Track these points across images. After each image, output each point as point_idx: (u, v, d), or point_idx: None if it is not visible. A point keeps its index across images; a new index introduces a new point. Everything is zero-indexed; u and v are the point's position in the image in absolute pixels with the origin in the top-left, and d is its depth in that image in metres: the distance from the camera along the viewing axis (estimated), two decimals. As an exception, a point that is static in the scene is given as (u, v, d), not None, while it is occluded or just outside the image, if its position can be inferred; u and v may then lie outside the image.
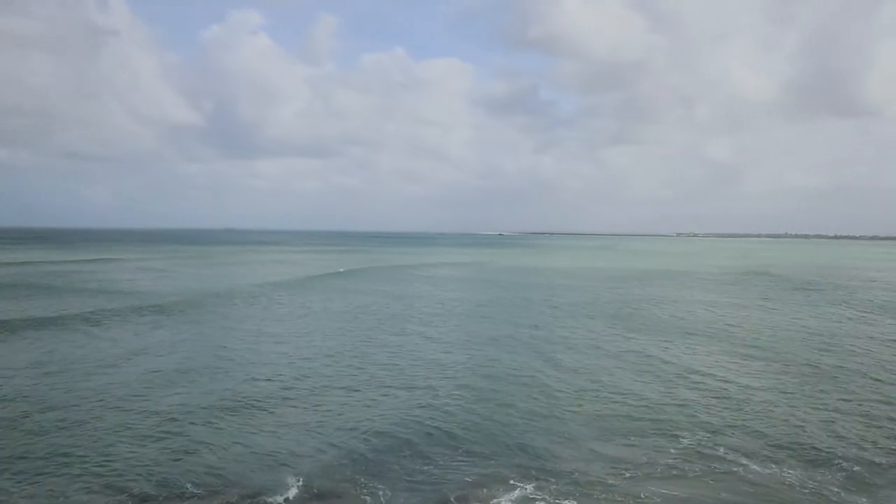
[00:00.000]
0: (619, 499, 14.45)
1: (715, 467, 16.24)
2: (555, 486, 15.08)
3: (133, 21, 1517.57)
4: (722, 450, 17.39)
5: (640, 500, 14.38)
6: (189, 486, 14.95)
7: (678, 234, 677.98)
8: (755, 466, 16.28)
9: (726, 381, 24.82)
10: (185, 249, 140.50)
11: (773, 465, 16.35)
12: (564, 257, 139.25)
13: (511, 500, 14.36)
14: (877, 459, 16.86)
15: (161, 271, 74.98)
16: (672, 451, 17.36)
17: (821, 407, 21.53)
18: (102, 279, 62.32)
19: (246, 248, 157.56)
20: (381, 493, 14.66)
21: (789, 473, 15.85)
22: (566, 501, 14.32)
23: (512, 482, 15.27)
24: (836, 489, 15.03)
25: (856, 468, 16.26)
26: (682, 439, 18.21)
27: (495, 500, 14.35)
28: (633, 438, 18.37)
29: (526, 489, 14.89)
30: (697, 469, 16.15)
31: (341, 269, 78.63)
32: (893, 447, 17.74)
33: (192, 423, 19.01)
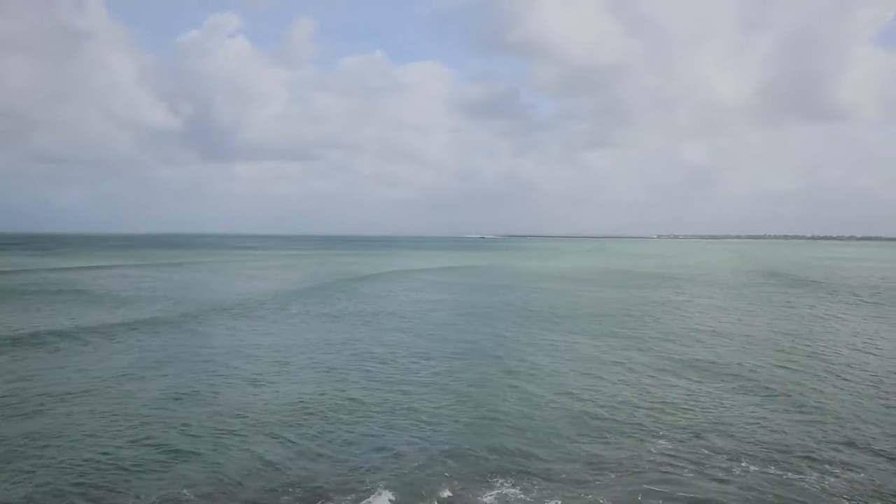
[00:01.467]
0: (597, 496, 14.42)
1: (694, 467, 16.25)
2: (534, 485, 15.03)
3: (109, 23, 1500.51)
4: (703, 450, 17.41)
5: (617, 498, 14.35)
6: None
7: (658, 236, 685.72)
8: (734, 466, 16.32)
9: (715, 383, 25.04)
10: (152, 255, 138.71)
11: (755, 465, 16.37)
12: (567, 260, 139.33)
13: (492, 498, 14.34)
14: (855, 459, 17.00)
15: (133, 279, 73.59)
16: (652, 450, 17.35)
17: (803, 407, 21.64)
18: (69, 291, 60.87)
19: (218, 254, 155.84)
20: (362, 492, 14.55)
21: (770, 473, 15.85)
22: (546, 499, 14.24)
23: (491, 481, 15.24)
24: (812, 488, 15.10)
25: (835, 469, 16.38)
26: (661, 440, 18.26)
27: (476, 499, 14.31)
28: (611, 438, 18.39)
29: (505, 487, 14.89)
30: (675, 468, 16.14)
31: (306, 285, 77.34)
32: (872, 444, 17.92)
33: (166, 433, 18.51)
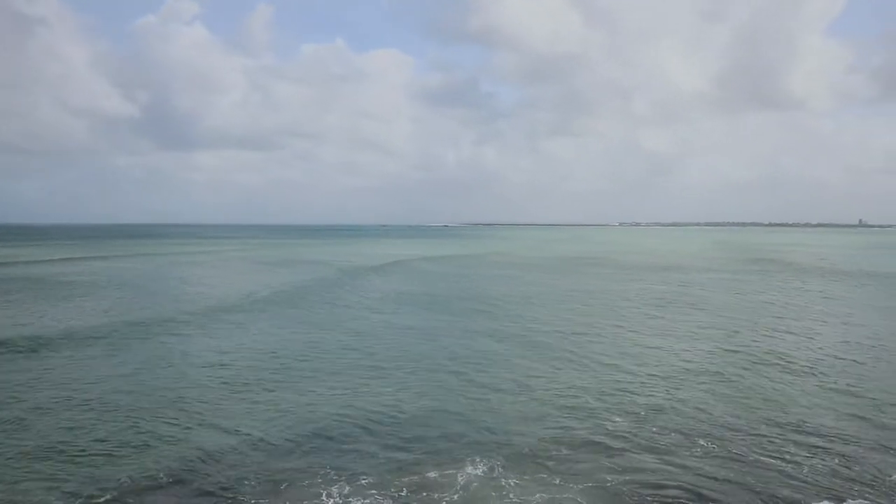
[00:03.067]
0: (569, 475, 14.83)
1: (660, 445, 16.80)
2: (506, 464, 15.33)
3: (61, 9, 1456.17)
4: (669, 430, 18.03)
5: (589, 476, 14.77)
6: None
7: (621, 224, 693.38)
8: (695, 444, 16.93)
9: (685, 361, 25.79)
10: (115, 246, 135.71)
11: (716, 442, 17.02)
12: (563, 248, 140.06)
13: (466, 477, 14.61)
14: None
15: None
16: (614, 428, 17.89)
17: (767, 381, 22.50)
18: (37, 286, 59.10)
19: (183, 244, 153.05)
20: (337, 476, 14.75)
21: (734, 451, 16.46)
22: (520, 477, 14.58)
23: (466, 461, 15.46)
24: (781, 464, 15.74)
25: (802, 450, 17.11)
26: (623, 419, 18.82)
27: (451, 479, 14.53)
28: (577, 419, 18.88)
29: (479, 467, 15.15)
30: (639, 445, 16.65)
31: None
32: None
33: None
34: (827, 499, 13.66)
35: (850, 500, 13.54)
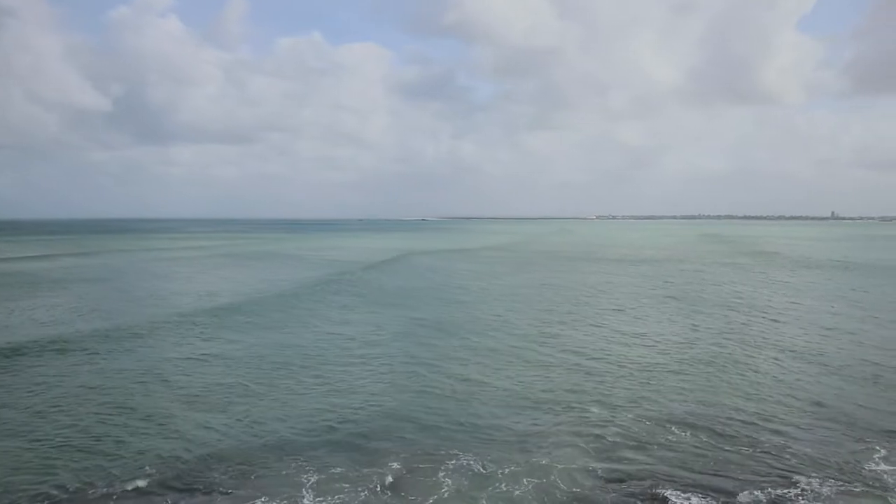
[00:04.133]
0: (547, 464, 15.00)
1: (630, 434, 17.08)
2: (483, 455, 15.45)
3: (33, 0, 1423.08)
4: (638, 419, 18.38)
5: (567, 466, 14.94)
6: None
7: (598, 217, 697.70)
8: (669, 431, 17.27)
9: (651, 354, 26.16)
10: (91, 242, 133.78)
11: (682, 432, 17.38)
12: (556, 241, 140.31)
13: (442, 469, 14.70)
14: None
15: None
16: (592, 418, 18.19)
17: (724, 374, 23.00)
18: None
19: (150, 239, 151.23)
20: (310, 467, 14.79)
21: (698, 439, 16.85)
22: (498, 468, 14.71)
23: (441, 453, 15.59)
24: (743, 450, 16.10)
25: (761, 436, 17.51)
26: (599, 409, 19.14)
27: (427, 471, 14.62)
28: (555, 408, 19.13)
29: (455, 459, 15.25)
30: (610, 435, 16.89)
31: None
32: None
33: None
34: (784, 480, 13.93)
35: (806, 478, 13.82)
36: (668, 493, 13.56)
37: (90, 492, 13.81)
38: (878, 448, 15.81)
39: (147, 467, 14.88)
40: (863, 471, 14.54)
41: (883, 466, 14.75)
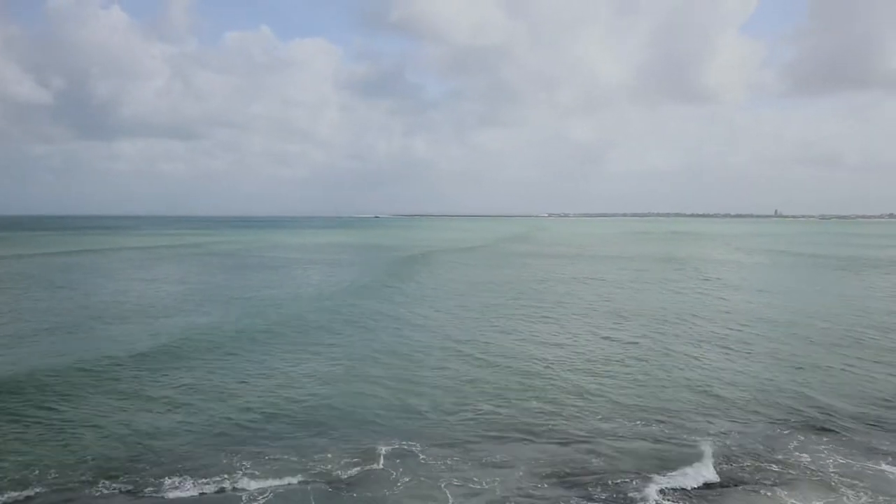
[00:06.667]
0: (487, 459, 15.34)
1: (576, 427, 17.56)
2: (422, 449, 15.72)
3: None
4: (585, 412, 18.88)
5: (506, 460, 15.30)
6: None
7: (550, 215, 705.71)
8: (612, 423, 17.85)
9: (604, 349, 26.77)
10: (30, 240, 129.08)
11: (628, 422, 17.97)
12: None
13: (386, 457, 15.06)
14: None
15: None
16: (531, 413, 18.62)
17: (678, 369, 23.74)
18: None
19: (89, 236, 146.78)
20: (246, 458, 14.69)
21: (647, 432, 17.42)
22: (436, 462, 14.95)
23: (379, 445, 15.77)
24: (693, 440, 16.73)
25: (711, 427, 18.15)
26: (540, 404, 19.60)
27: (360, 463, 14.76)
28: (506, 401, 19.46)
29: (391, 452, 15.47)
30: (556, 429, 17.34)
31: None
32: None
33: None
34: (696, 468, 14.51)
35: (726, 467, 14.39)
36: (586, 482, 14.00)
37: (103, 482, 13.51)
38: (797, 436, 16.61)
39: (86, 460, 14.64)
40: (780, 458, 15.25)
41: (798, 454, 15.50)
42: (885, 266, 66.76)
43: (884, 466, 14.70)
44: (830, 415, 18.20)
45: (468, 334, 29.34)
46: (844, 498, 13.12)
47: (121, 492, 13.63)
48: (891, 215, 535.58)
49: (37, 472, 14.38)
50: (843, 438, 16.47)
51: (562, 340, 28.00)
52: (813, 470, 14.49)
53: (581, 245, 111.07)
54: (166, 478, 14.16)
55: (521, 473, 14.44)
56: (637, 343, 27.44)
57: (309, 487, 13.78)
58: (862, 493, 13.29)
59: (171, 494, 13.52)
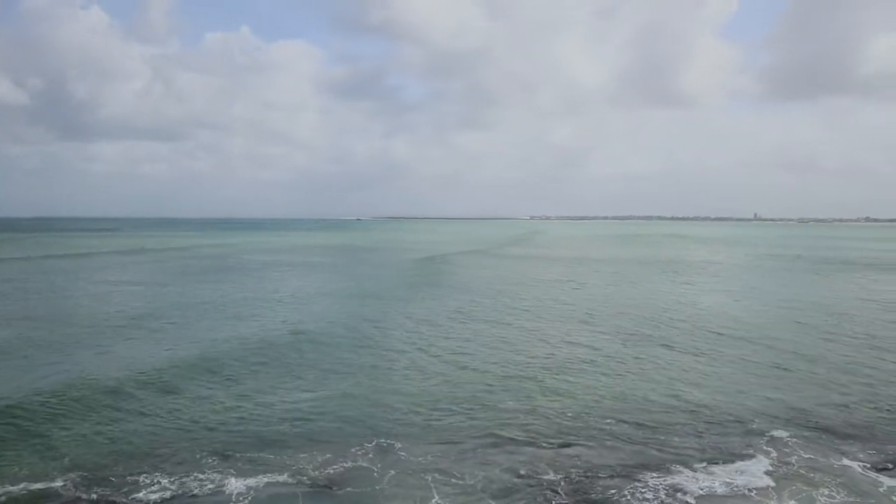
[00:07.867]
0: (464, 461, 15.56)
1: (554, 428, 17.84)
2: (398, 448, 15.91)
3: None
4: (568, 413, 19.17)
5: (482, 462, 15.57)
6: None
7: (531, 218, 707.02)
8: (588, 425, 18.16)
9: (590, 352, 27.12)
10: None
11: (606, 423, 18.27)
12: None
13: (371, 455, 15.10)
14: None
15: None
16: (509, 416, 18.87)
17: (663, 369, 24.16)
18: None
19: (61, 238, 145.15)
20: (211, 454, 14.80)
21: (619, 430, 17.76)
22: (413, 465, 15.14)
23: (352, 445, 15.91)
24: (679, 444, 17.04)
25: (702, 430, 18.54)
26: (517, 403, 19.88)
27: (335, 461, 14.93)
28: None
29: (368, 453, 15.64)
30: (533, 430, 17.61)
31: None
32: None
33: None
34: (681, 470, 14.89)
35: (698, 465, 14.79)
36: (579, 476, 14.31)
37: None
38: (768, 433, 17.06)
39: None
40: (755, 458, 15.66)
41: (772, 454, 15.94)
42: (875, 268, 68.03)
43: (849, 462, 15.19)
44: (800, 415, 18.66)
45: (450, 337, 29.57)
46: (819, 499, 13.51)
47: (101, 495, 13.64)
48: (867, 219, 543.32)
49: (15, 471, 14.44)
50: (815, 438, 16.91)
51: (543, 343, 28.33)
52: (785, 470, 14.88)
53: (580, 248, 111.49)
54: (148, 478, 14.22)
55: (501, 471, 14.68)
56: (615, 346, 27.83)
57: (295, 486, 13.94)
58: (835, 493, 13.68)
59: (155, 496, 13.54)
